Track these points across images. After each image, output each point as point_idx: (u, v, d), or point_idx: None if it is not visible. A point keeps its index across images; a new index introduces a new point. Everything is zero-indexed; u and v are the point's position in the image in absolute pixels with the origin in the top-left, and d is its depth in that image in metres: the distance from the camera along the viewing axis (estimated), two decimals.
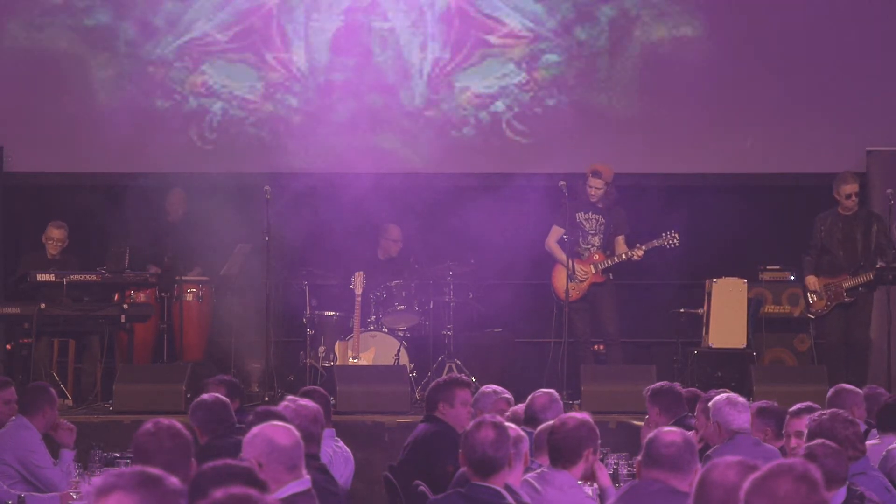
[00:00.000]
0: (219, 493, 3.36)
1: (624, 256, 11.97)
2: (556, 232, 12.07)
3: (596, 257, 12.02)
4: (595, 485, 6.18)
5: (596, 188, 12.04)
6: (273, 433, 4.89)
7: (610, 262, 11.99)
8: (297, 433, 4.99)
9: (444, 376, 8.35)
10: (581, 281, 11.98)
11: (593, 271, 12.00)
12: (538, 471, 5.97)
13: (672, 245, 11.91)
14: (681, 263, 12.38)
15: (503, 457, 5.31)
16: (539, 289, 13.11)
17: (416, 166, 13.39)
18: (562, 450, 5.86)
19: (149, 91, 13.51)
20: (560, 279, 12.00)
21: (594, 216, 12.07)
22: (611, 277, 12.07)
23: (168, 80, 13.55)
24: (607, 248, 12.06)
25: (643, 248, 11.92)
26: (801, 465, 3.53)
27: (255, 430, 4.94)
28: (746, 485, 3.54)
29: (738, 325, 11.91)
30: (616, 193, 12.13)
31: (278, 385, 11.79)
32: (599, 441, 6.01)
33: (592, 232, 12.06)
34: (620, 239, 12.07)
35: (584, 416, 5.99)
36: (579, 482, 6.05)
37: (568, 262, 11.86)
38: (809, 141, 13.53)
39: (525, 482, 5.85)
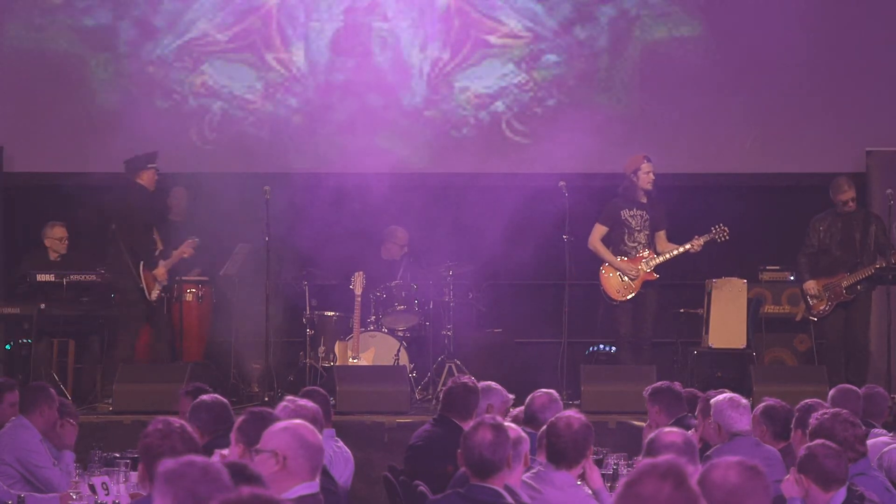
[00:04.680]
0: (245, 491, 3.35)
1: (680, 251, 11.83)
2: (600, 230, 11.98)
3: (646, 254, 11.94)
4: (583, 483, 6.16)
5: (652, 172, 11.89)
6: (303, 430, 4.86)
7: (662, 259, 11.90)
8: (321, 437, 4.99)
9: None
10: (633, 279, 11.90)
11: (645, 269, 11.92)
12: (535, 470, 5.96)
13: (722, 238, 11.83)
14: (681, 263, 12.37)
15: (500, 459, 5.31)
16: (539, 289, 13.13)
17: (416, 166, 13.39)
18: (567, 452, 5.84)
19: (149, 91, 13.51)
20: (611, 279, 11.92)
21: (639, 212, 11.96)
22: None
23: (168, 80, 13.55)
24: (653, 244, 11.97)
25: (702, 239, 11.82)
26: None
27: (282, 423, 4.91)
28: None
29: (738, 325, 11.91)
30: (656, 188, 12.05)
31: (278, 385, 11.79)
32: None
33: (638, 228, 11.96)
34: (662, 234, 11.97)
35: (582, 416, 5.98)
36: (579, 482, 6.05)
37: (567, 260, 11.84)
38: (809, 141, 13.54)
39: (522, 482, 5.84)
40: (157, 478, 3.67)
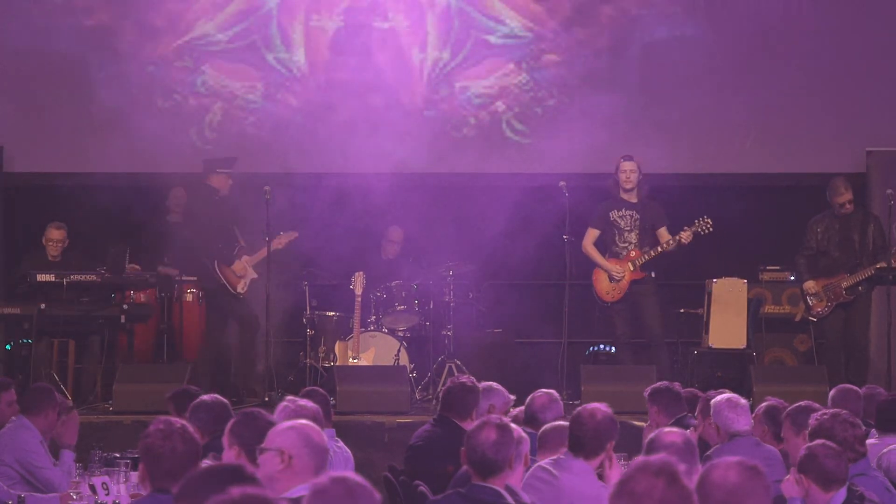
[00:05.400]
0: (236, 492, 3.34)
1: (667, 245, 11.80)
2: (592, 234, 11.99)
3: (633, 254, 11.93)
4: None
5: (631, 171, 11.93)
6: (309, 430, 4.88)
7: (647, 257, 11.89)
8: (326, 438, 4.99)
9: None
10: (618, 280, 11.89)
11: (631, 269, 11.90)
12: (555, 457, 6.00)
13: (706, 231, 11.78)
14: (681, 263, 12.37)
15: (503, 459, 5.31)
16: (539, 289, 13.13)
17: (416, 166, 13.38)
18: (586, 440, 5.90)
19: (149, 91, 13.51)
20: (601, 281, 11.94)
21: (628, 212, 11.95)
22: (652, 276, 11.90)
23: (168, 80, 13.55)
24: (646, 243, 11.95)
25: (690, 230, 11.73)
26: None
27: (288, 423, 4.92)
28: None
29: (738, 326, 11.91)
30: (648, 187, 12.05)
31: (278, 385, 11.78)
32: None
33: (628, 229, 11.94)
34: (663, 231, 11.88)
35: (608, 410, 6.04)
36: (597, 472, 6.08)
37: (567, 260, 11.84)
38: (809, 141, 13.54)
39: (541, 468, 5.87)
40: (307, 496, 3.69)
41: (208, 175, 12.06)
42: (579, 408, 6.11)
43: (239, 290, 11.87)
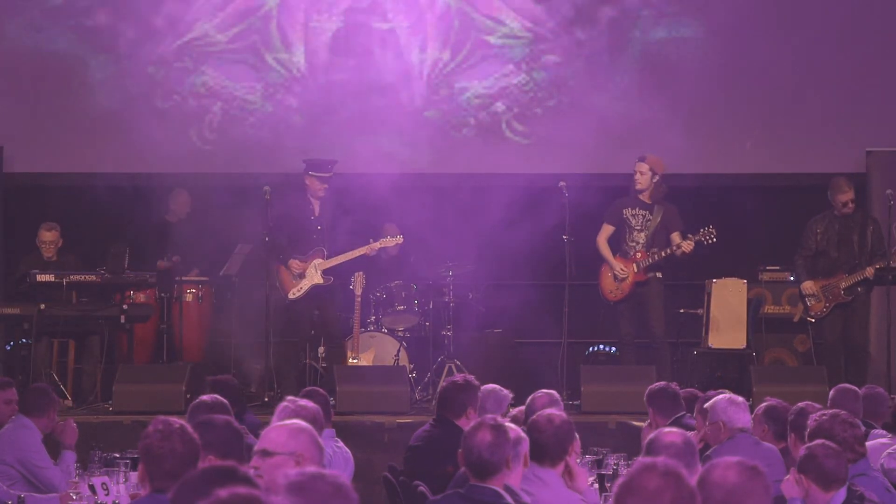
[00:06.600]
0: (223, 493, 3.32)
1: (669, 251, 11.76)
2: (606, 230, 11.99)
3: (638, 255, 11.91)
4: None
5: (641, 172, 11.91)
6: (313, 431, 4.88)
7: (651, 260, 11.86)
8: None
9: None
10: (622, 280, 11.88)
11: (635, 270, 11.88)
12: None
13: (709, 240, 11.77)
14: (681, 263, 12.36)
15: (499, 460, 5.30)
16: (539, 289, 13.11)
17: (416, 166, 13.38)
18: (549, 446, 5.84)
19: (149, 91, 13.51)
20: (606, 279, 11.94)
21: (641, 212, 11.94)
22: (658, 276, 11.88)
23: (168, 80, 13.54)
24: (655, 245, 11.88)
25: (693, 239, 11.72)
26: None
27: (293, 424, 4.89)
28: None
29: (737, 326, 11.91)
30: (666, 188, 12.02)
31: (278, 385, 11.78)
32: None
33: (638, 228, 11.92)
34: (676, 235, 11.86)
35: (563, 414, 6.01)
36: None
37: (567, 260, 11.83)
38: (809, 141, 13.53)
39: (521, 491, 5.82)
40: (282, 489, 3.63)
41: (303, 175, 11.90)
42: (533, 416, 6.05)
43: (290, 295, 11.71)
